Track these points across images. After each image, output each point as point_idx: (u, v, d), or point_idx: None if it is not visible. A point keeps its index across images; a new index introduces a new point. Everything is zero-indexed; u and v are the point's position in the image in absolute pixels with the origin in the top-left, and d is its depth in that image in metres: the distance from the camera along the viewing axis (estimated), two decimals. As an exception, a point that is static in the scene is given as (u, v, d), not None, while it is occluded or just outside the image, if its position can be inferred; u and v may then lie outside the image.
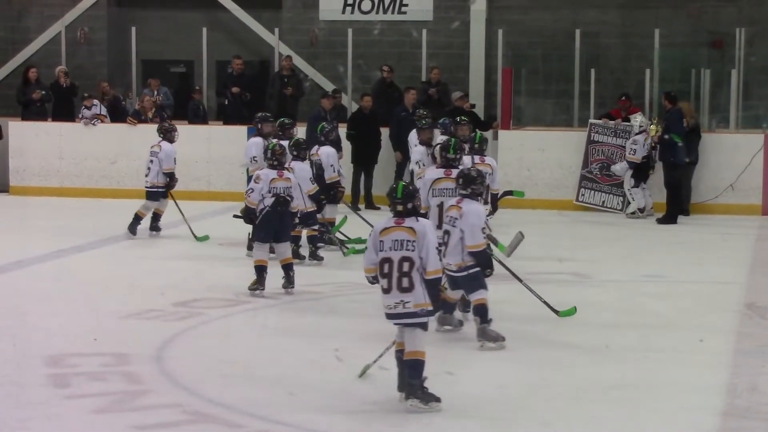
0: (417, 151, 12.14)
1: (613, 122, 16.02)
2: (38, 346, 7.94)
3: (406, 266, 6.67)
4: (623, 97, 16.46)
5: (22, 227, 14.59)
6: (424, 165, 11.45)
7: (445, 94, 17.28)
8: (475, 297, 8.16)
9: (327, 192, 11.68)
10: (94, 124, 17.26)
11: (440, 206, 8.74)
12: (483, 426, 6.33)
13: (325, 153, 11.87)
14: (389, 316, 6.73)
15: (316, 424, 6.29)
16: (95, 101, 17.50)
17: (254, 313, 9.24)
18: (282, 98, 17.28)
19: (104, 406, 6.54)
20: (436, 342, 8.26)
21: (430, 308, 6.70)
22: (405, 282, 6.66)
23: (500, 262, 9.15)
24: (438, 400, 6.59)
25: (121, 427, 6.18)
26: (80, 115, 17.42)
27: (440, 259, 6.97)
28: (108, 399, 6.66)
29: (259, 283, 9.80)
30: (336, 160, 12.04)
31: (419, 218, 6.81)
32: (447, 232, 8.07)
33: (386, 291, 6.70)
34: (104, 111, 17.49)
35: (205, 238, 12.32)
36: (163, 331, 8.41)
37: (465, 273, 8.10)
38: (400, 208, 6.77)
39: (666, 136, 15.00)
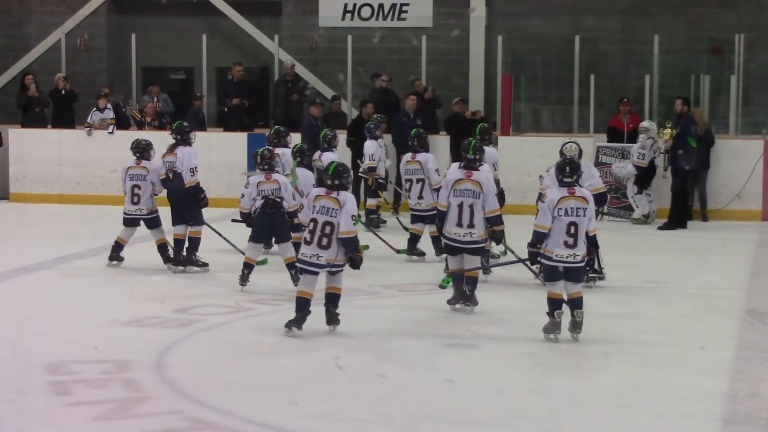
0: (369, 145, 13.44)
1: (620, 145, 15.95)
2: (38, 353, 7.92)
3: (327, 229, 8.29)
4: (624, 99, 16.48)
5: (22, 234, 14.59)
6: (374, 158, 13.38)
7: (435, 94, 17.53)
8: (579, 288, 8.37)
9: None
10: (110, 132, 17.18)
11: (460, 206, 9.14)
12: (483, 433, 6.33)
13: (327, 158, 11.99)
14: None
15: (317, 431, 6.28)
16: (109, 104, 17.44)
17: (254, 319, 9.24)
18: (288, 104, 17.32)
19: (105, 413, 6.54)
20: (434, 348, 8.28)
21: (340, 263, 8.38)
22: (324, 241, 8.29)
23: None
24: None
25: (121, 435, 6.19)
26: (89, 119, 17.34)
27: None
28: (108, 406, 6.65)
29: (241, 279, 10.24)
30: None
31: (341, 192, 8.39)
32: (574, 224, 8.26)
33: (308, 243, 8.34)
34: (113, 115, 17.42)
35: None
36: (164, 337, 8.41)
37: (584, 263, 8.48)
38: (329, 182, 8.41)
39: (680, 140, 15.01)
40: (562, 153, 10.30)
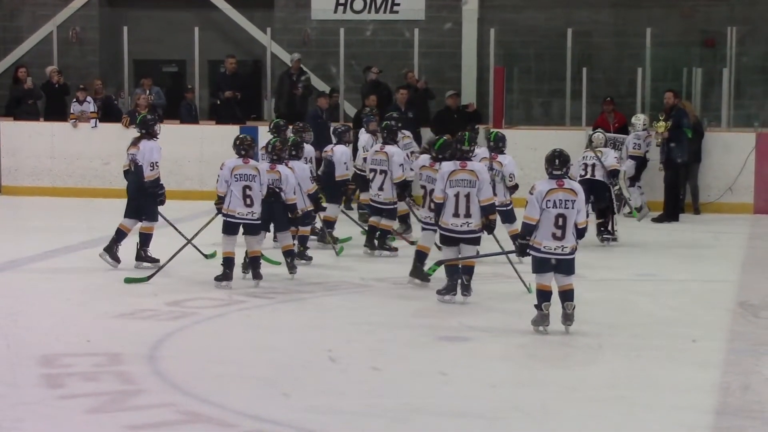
0: (362, 138, 13.31)
1: (612, 134, 15.94)
2: (31, 346, 7.92)
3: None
4: (608, 98, 16.45)
5: (14, 227, 14.58)
6: (367, 150, 12.81)
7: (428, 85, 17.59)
8: (570, 281, 8.36)
9: (338, 189, 11.91)
10: (94, 126, 17.20)
11: (457, 196, 9.27)
12: (476, 425, 6.33)
13: (339, 151, 12.19)
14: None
15: (310, 423, 6.28)
16: (89, 97, 17.47)
17: (247, 312, 9.24)
18: (291, 98, 17.37)
19: (97, 406, 6.53)
20: (427, 341, 8.29)
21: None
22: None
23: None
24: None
25: (114, 427, 6.17)
26: (71, 110, 17.38)
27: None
28: (101, 399, 6.65)
29: (243, 267, 10.40)
30: (350, 159, 12.32)
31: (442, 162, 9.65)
32: (562, 216, 8.25)
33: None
34: (95, 108, 17.45)
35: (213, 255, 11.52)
36: (157, 330, 8.41)
37: (574, 255, 8.42)
38: (434, 155, 9.98)
39: (675, 133, 15.03)
40: (590, 140, 11.89)
